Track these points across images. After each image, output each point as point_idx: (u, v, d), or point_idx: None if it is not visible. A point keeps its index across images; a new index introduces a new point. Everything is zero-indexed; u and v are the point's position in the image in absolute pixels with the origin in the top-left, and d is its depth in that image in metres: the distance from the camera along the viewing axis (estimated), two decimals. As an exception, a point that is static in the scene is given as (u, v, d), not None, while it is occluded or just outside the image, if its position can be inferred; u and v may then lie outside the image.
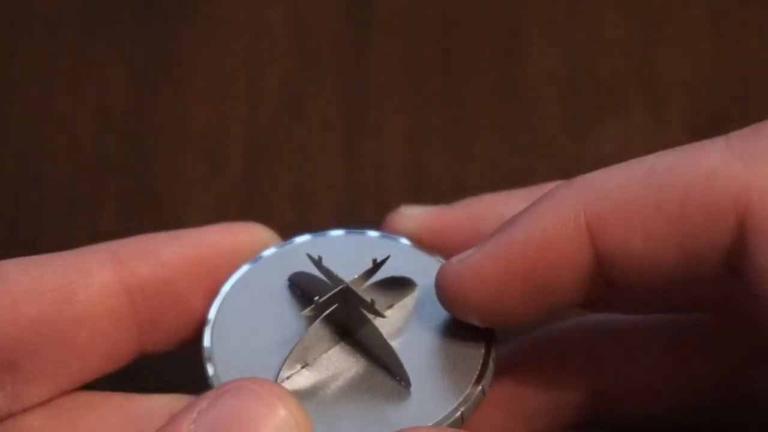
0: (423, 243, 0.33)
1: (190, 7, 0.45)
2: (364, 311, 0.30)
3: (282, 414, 0.25)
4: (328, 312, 0.30)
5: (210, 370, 0.30)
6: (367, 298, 0.30)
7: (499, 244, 0.29)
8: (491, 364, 0.30)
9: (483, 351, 0.30)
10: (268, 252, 0.33)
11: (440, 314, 0.31)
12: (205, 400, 0.25)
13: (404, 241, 0.33)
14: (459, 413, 0.29)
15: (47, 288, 0.29)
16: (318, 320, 0.30)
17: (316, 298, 0.30)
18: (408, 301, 0.32)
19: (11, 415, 0.29)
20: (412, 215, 0.33)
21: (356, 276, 0.30)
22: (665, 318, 0.32)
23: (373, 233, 0.33)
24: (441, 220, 0.33)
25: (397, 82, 0.43)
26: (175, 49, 0.44)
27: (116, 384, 0.31)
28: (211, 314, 0.31)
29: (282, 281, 0.32)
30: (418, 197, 0.41)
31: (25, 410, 0.29)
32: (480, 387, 0.30)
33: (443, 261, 0.31)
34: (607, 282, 0.28)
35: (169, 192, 0.42)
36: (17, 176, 0.42)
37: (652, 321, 0.32)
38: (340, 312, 0.30)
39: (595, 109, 0.43)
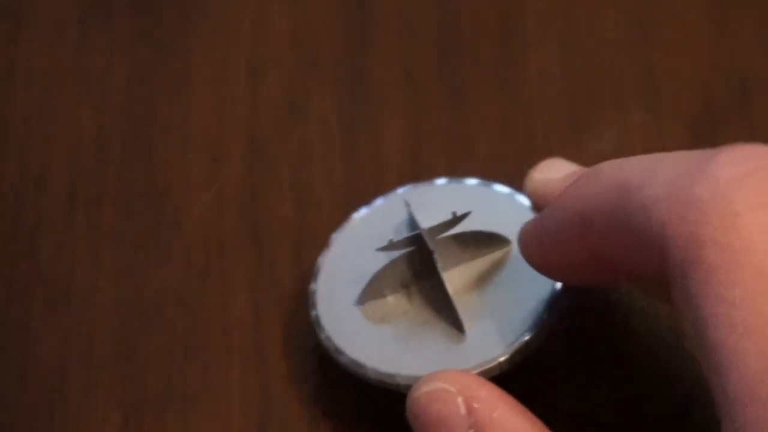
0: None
1: (191, 7, 0.45)
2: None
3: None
4: (402, 253, 0.34)
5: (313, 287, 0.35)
6: (452, 248, 0.34)
7: (538, 221, 0.32)
8: (543, 325, 0.32)
9: (541, 309, 0.33)
10: (376, 202, 0.37)
11: (523, 271, 0.33)
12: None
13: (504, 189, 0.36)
14: (497, 362, 0.32)
15: None
16: (391, 260, 0.34)
17: (392, 237, 0.34)
18: (497, 255, 0.34)
19: None
20: (532, 179, 0.36)
21: (435, 224, 0.34)
22: None
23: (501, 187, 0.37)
24: (548, 187, 0.35)
25: (397, 81, 0.43)
26: (175, 49, 0.44)
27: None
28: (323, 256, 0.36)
29: (389, 226, 0.36)
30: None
31: None
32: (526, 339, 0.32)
33: None
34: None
35: (169, 192, 0.42)
36: (18, 176, 0.42)
37: None
38: (415, 256, 0.34)
39: (593, 109, 0.43)
